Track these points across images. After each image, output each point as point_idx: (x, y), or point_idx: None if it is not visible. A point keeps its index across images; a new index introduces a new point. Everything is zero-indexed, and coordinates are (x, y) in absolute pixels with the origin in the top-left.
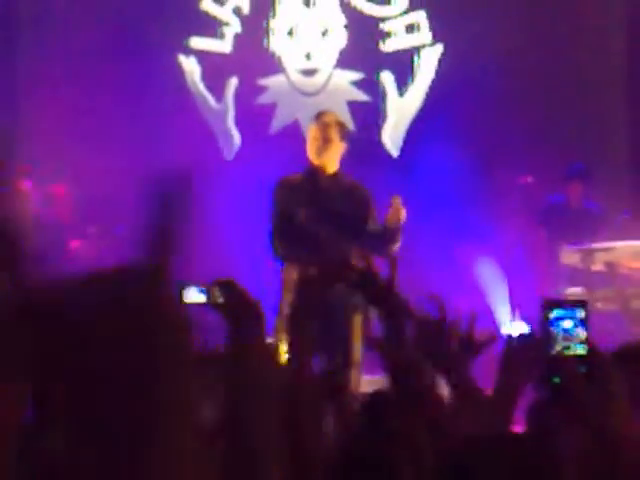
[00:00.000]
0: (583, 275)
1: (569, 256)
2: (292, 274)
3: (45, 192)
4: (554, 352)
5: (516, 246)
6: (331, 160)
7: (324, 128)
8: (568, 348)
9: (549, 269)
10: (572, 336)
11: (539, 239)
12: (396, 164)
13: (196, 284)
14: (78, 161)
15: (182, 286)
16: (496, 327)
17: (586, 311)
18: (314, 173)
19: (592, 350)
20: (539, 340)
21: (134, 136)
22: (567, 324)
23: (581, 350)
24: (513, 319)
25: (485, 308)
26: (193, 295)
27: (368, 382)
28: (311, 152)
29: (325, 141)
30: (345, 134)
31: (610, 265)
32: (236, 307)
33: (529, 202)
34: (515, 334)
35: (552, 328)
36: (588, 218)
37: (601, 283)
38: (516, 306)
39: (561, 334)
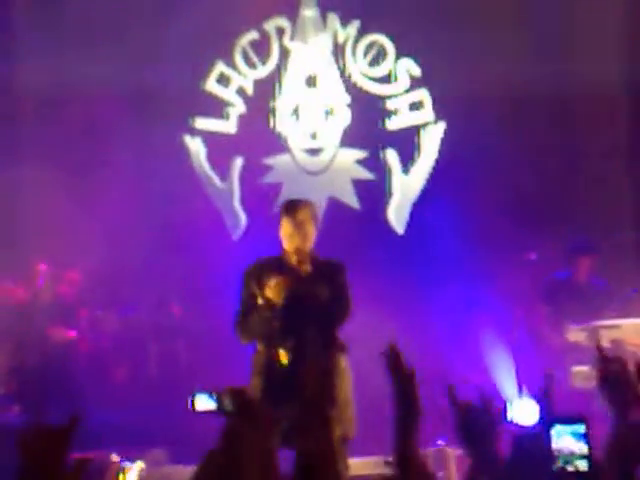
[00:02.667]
0: (589, 353)
1: (575, 334)
2: (261, 358)
3: (59, 276)
4: (556, 467)
5: (522, 323)
6: (305, 249)
7: (300, 225)
8: (570, 463)
9: (555, 346)
10: (574, 451)
11: (544, 316)
12: (401, 241)
13: (207, 391)
14: (89, 247)
15: (194, 393)
16: (503, 404)
17: (587, 426)
18: (287, 261)
19: (595, 466)
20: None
21: (142, 217)
22: (567, 440)
23: (583, 466)
24: (520, 396)
25: (491, 384)
26: (203, 402)
27: (362, 464)
28: (284, 241)
29: (302, 238)
30: (318, 221)
31: (616, 343)
32: (244, 415)
33: (535, 279)
34: (519, 419)
35: (553, 444)
36: (594, 295)
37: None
38: (522, 383)
39: (563, 449)
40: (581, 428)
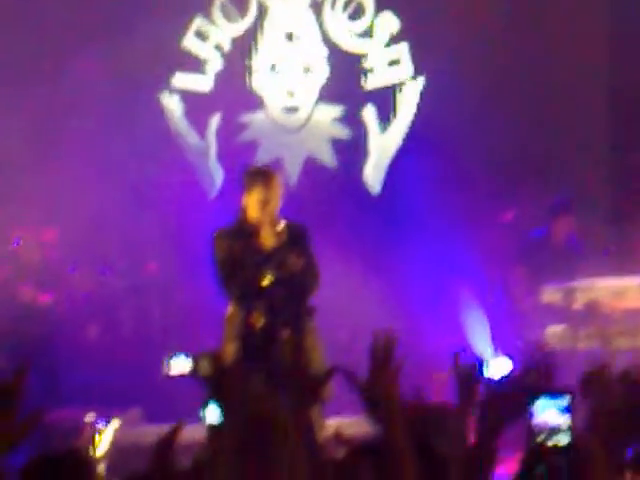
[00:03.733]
0: (564, 313)
1: (550, 294)
2: (235, 322)
3: (36, 236)
4: (537, 441)
5: (498, 283)
6: (272, 216)
7: (269, 190)
8: (552, 437)
9: (530, 306)
10: (557, 426)
11: (520, 276)
12: (377, 201)
13: (183, 354)
14: (64, 203)
15: (170, 356)
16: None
17: (571, 399)
18: (252, 229)
19: (576, 440)
20: (520, 380)
21: (118, 174)
22: (551, 413)
23: (565, 439)
24: (494, 356)
25: (466, 344)
26: (179, 365)
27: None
28: (253, 210)
29: (268, 203)
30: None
31: (591, 304)
32: (220, 381)
33: (511, 238)
34: (496, 377)
35: (535, 417)
36: (570, 254)
37: (583, 321)
38: (497, 343)
39: (545, 423)
40: (565, 401)
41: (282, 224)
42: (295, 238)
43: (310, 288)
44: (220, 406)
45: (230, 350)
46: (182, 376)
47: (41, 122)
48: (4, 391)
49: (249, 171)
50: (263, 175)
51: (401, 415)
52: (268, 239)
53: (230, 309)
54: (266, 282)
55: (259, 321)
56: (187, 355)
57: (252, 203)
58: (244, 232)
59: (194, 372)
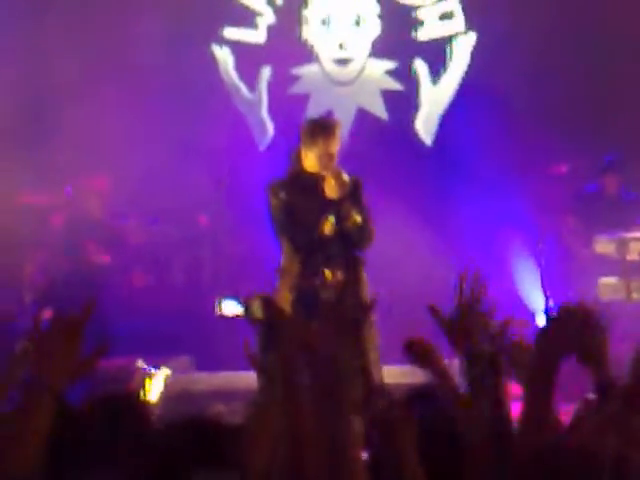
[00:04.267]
0: (618, 264)
1: (603, 245)
2: (292, 274)
3: (85, 185)
4: None
5: (550, 234)
6: (335, 167)
7: (333, 142)
8: None
9: (583, 257)
10: None
11: (573, 227)
12: (429, 152)
13: (235, 296)
14: (114, 152)
15: (221, 298)
16: (530, 315)
17: None
18: (311, 180)
19: None
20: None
21: (168, 126)
22: None
23: None
24: (546, 307)
25: (519, 296)
26: (231, 307)
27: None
28: (313, 162)
29: (333, 155)
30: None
31: None
32: (273, 323)
33: (565, 191)
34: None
35: None
36: (623, 206)
37: (636, 273)
38: (549, 294)
39: None
40: None
41: (346, 175)
42: (356, 190)
43: (365, 242)
44: (272, 348)
45: (285, 300)
46: (234, 317)
47: (92, 72)
48: (71, 325)
49: (311, 123)
50: (327, 127)
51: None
52: (333, 190)
53: (285, 261)
54: (328, 231)
55: (329, 229)
56: (238, 299)
57: (314, 155)
58: (302, 182)
59: (246, 314)
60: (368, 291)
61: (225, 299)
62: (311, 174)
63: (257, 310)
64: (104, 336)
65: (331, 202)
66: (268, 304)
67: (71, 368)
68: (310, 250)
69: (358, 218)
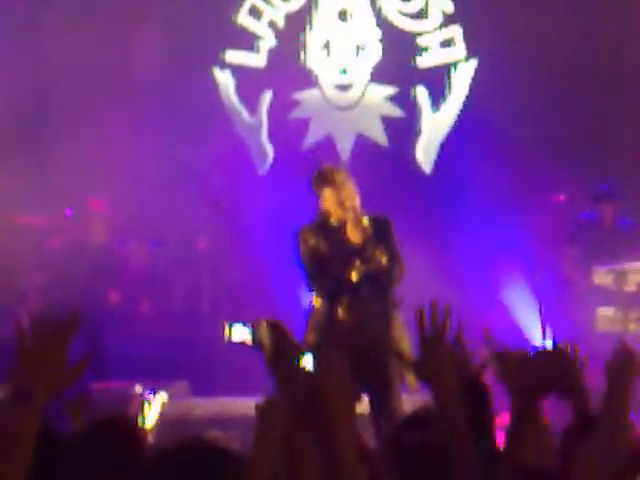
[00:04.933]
0: (616, 295)
1: (601, 276)
2: (319, 314)
3: (84, 207)
4: None
5: (548, 265)
6: (354, 211)
7: (338, 190)
8: None
9: (581, 288)
10: None
11: (570, 258)
12: (428, 179)
13: (242, 322)
14: (113, 176)
15: (230, 323)
16: (526, 344)
17: None
18: (336, 226)
19: None
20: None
21: (168, 149)
22: None
23: None
24: (544, 338)
25: (516, 325)
26: (239, 332)
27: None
28: (331, 210)
29: (343, 203)
30: (351, 179)
31: None
32: (280, 349)
33: (562, 220)
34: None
35: None
36: (619, 236)
37: (633, 304)
38: (547, 325)
39: None
40: None
41: (366, 219)
42: (380, 231)
43: (396, 280)
44: (275, 375)
45: (310, 340)
46: (242, 343)
47: (93, 94)
48: (58, 328)
49: (313, 173)
50: (326, 178)
51: (456, 392)
52: (354, 235)
53: (315, 301)
54: (355, 277)
55: (355, 277)
56: (245, 324)
57: (327, 205)
58: (327, 229)
59: (254, 340)
60: (404, 333)
61: (234, 324)
62: (334, 219)
63: (264, 335)
64: (100, 360)
65: (355, 247)
66: (275, 328)
67: (55, 378)
68: (340, 294)
69: (383, 259)
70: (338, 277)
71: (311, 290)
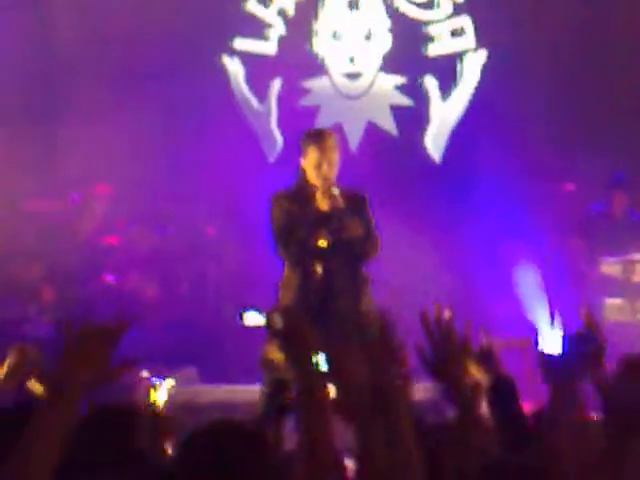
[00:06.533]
0: (623, 286)
1: (609, 267)
2: (293, 280)
3: (90, 192)
4: None
5: (556, 254)
6: (327, 179)
7: (323, 152)
8: None
9: (588, 278)
10: None
11: (579, 248)
12: (438, 169)
13: (256, 308)
14: (122, 162)
15: (244, 310)
16: (534, 334)
17: None
18: (309, 192)
19: None
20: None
21: (177, 136)
22: None
23: None
24: (551, 327)
25: (523, 314)
26: (253, 318)
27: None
28: (312, 176)
29: (320, 166)
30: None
31: None
32: (293, 335)
33: (572, 210)
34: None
35: None
36: (630, 227)
37: None
38: (554, 314)
39: None
40: None
41: (336, 189)
42: (354, 204)
43: (368, 254)
44: (290, 361)
45: (286, 297)
46: (257, 327)
47: (102, 81)
48: (107, 333)
49: (305, 134)
50: (317, 137)
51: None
52: (322, 203)
53: (285, 274)
54: (322, 244)
55: (324, 243)
56: (258, 310)
57: (308, 166)
58: (302, 194)
59: (267, 326)
60: (372, 307)
61: (247, 310)
62: (310, 186)
63: (278, 321)
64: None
65: (324, 214)
66: (288, 315)
67: (97, 374)
68: (308, 262)
69: (358, 230)
70: (303, 242)
71: (279, 256)
